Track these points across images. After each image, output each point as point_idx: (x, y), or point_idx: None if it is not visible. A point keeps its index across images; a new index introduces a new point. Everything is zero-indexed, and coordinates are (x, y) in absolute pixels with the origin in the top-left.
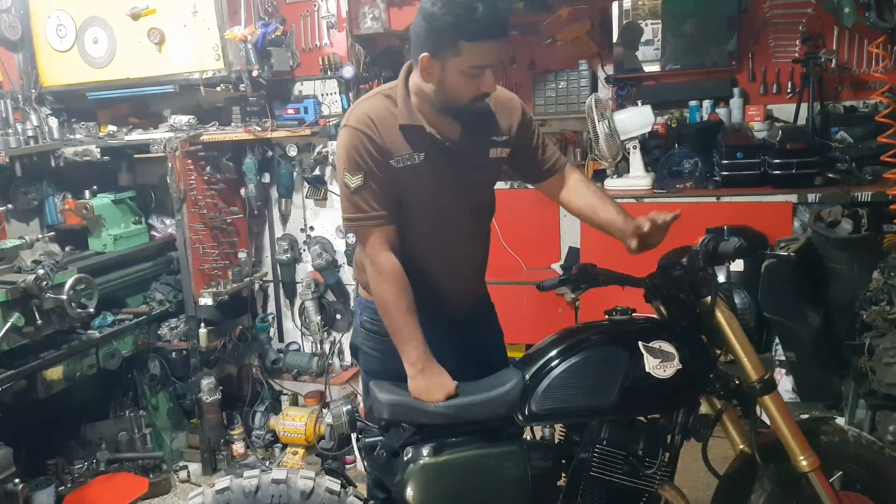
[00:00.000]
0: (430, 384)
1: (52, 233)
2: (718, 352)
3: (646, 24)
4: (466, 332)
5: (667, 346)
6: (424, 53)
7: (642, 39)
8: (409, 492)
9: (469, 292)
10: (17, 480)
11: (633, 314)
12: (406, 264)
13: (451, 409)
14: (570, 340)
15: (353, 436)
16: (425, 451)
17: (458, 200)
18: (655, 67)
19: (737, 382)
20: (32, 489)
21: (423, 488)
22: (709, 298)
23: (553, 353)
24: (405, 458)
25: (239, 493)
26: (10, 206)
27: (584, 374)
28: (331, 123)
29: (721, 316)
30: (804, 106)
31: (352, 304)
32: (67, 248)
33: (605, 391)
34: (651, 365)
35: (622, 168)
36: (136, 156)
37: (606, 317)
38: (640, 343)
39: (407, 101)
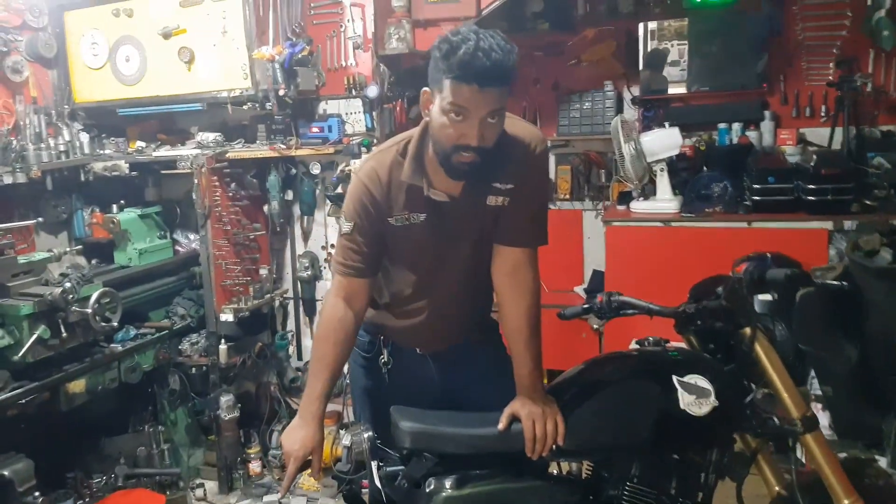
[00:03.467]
0: (292, 432)
1: (79, 246)
2: (754, 387)
3: (671, 45)
4: (465, 369)
5: (702, 382)
6: (425, 87)
7: (668, 60)
8: None
9: (467, 331)
10: (37, 494)
11: (666, 345)
12: (397, 303)
13: (475, 440)
14: (599, 372)
15: (374, 464)
16: (448, 482)
17: (454, 254)
18: (682, 89)
19: (774, 420)
20: (52, 502)
21: None
22: (747, 330)
23: (581, 385)
24: (427, 490)
25: None
26: (40, 219)
27: (615, 410)
28: (354, 142)
29: (760, 349)
30: (839, 130)
31: None
32: (94, 261)
33: (637, 428)
34: (686, 401)
35: (649, 190)
36: (163, 171)
37: (637, 346)
38: (674, 378)
39: (416, 157)
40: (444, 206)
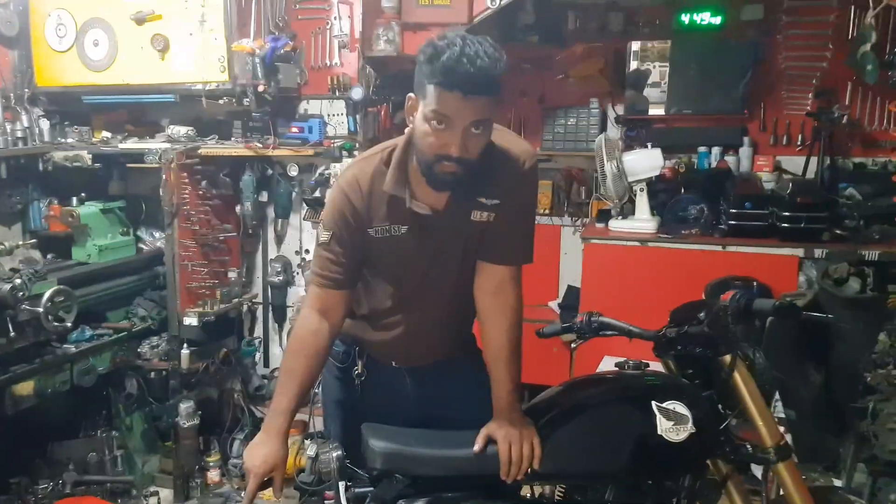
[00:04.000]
0: (254, 448)
1: (34, 240)
2: (729, 413)
3: (654, 66)
4: (442, 385)
5: (681, 408)
6: (410, 93)
7: (650, 82)
8: None
9: (445, 346)
10: None
11: (646, 369)
12: (375, 315)
13: (449, 461)
14: (577, 395)
15: (342, 484)
16: None
17: (435, 268)
18: (662, 110)
19: (748, 447)
20: None
21: None
22: (727, 357)
23: (559, 407)
24: None
25: None
26: None
27: (592, 434)
28: (335, 145)
29: (739, 377)
30: (814, 159)
31: None
32: (49, 256)
33: (613, 453)
34: (663, 427)
35: (627, 210)
36: (129, 165)
37: (617, 369)
38: (653, 404)
39: (399, 166)
40: (427, 220)
